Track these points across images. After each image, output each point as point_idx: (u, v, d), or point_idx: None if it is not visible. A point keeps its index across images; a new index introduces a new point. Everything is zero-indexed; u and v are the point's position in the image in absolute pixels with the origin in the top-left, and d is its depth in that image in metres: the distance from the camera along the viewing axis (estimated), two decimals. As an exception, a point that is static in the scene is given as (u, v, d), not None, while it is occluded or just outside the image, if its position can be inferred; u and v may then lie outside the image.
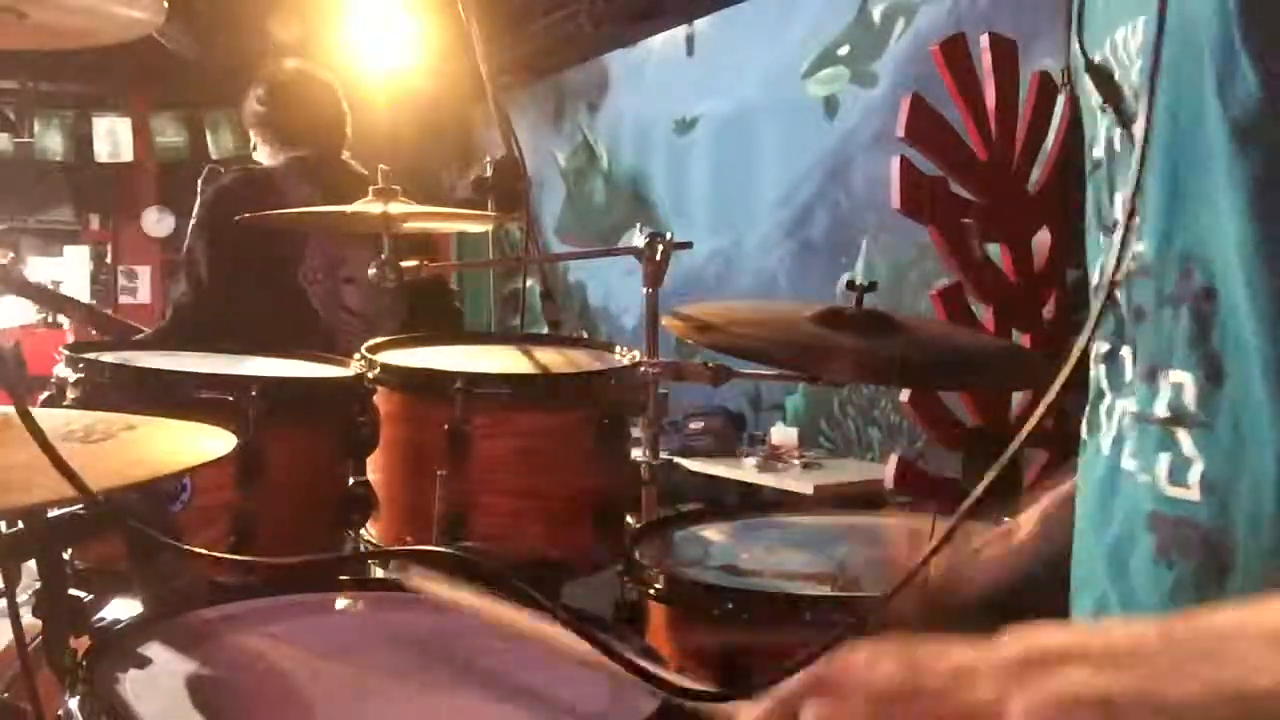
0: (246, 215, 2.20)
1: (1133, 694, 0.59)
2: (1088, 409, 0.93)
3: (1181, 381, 0.79)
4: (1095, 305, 0.85)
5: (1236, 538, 0.75)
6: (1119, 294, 0.86)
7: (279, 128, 2.82)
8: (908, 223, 3.12)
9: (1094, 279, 0.91)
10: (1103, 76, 0.87)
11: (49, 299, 3.73)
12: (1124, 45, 0.85)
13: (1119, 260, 0.82)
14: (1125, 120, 0.85)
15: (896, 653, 0.68)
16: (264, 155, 2.87)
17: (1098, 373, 0.90)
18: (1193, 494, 0.78)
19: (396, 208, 1.81)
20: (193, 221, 2.70)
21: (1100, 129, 0.90)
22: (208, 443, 1.08)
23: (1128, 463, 0.85)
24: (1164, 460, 0.80)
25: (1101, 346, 0.89)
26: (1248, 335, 0.73)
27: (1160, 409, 0.81)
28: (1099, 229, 0.91)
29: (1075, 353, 0.81)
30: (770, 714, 0.69)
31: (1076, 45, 0.92)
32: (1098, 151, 0.90)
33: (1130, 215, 0.80)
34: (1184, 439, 0.79)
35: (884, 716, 0.65)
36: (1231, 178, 0.73)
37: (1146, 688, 0.59)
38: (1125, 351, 0.86)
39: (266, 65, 2.98)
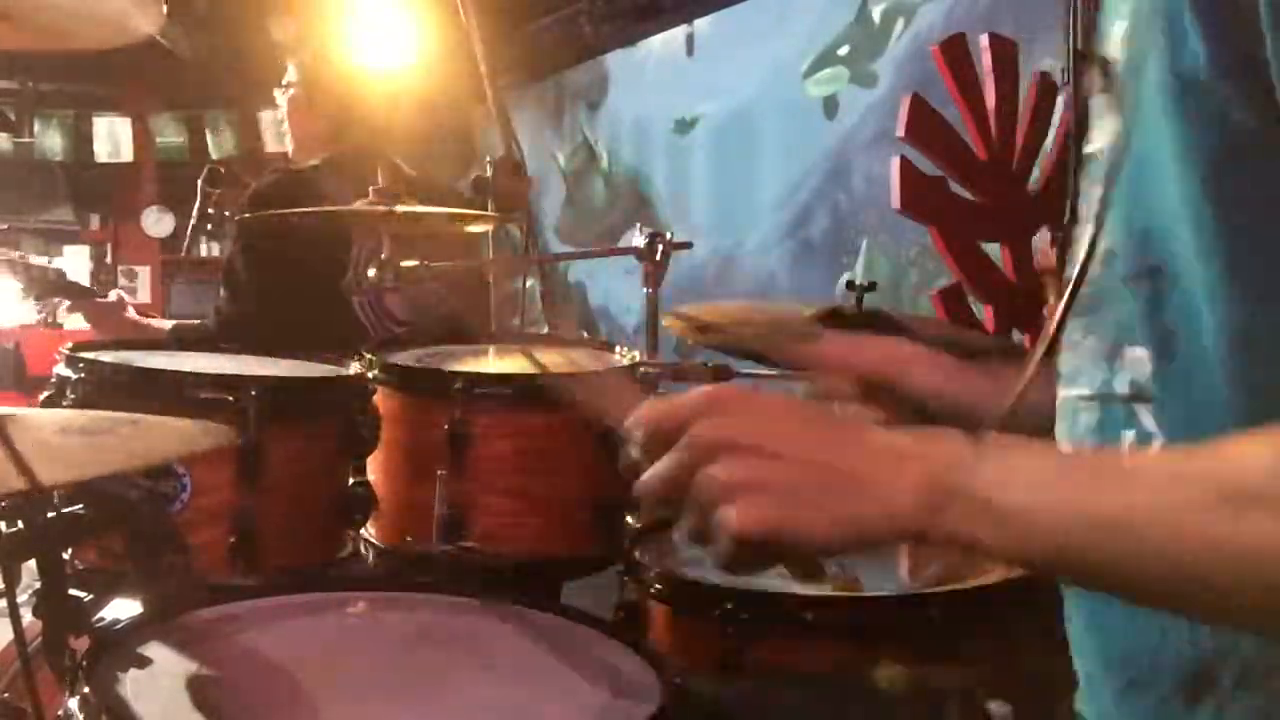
0: (247, 215, 2.20)
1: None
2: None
3: (1140, 357, 0.80)
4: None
5: None
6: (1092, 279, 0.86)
7: (319, 120, 2.70)
8: (908, 223, 3.12)
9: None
10: (1103, 68, 0.88)
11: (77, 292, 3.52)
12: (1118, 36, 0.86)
13: (1091, 247, 0.84)
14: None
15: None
16: (300, 153, 2.75)
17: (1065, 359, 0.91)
18: None
19: (396, 207, 1.81)
20: (230, 231, 2.61)
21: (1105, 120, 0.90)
22: (208, 438, 1.09)
23: (1095, 444, 0.85)
24: (1128, 438, 0.82)
25: (1075, 333, 0.89)
26: (1199, 306, 0.74)
27: (1121, 386, 0.82)
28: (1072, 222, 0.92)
29: (1044, 340, 0.82)
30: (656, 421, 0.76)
31: (1073, 39, 0.93)
32: (1099, 142, 0.91)
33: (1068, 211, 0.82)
34: (1144, 415, 0.80)
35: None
36: (1183, 153, 0.74)
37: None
38: (1090, 335, 0.87)
39: (298, 57, 2.83)
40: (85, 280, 7.61)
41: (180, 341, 2.06)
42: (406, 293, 2.52)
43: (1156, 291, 0.78)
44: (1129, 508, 0.65)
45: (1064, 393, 0.91)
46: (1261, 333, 0.72)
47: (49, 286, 3.19)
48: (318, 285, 2.49)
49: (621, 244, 5.94)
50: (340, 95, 2.69)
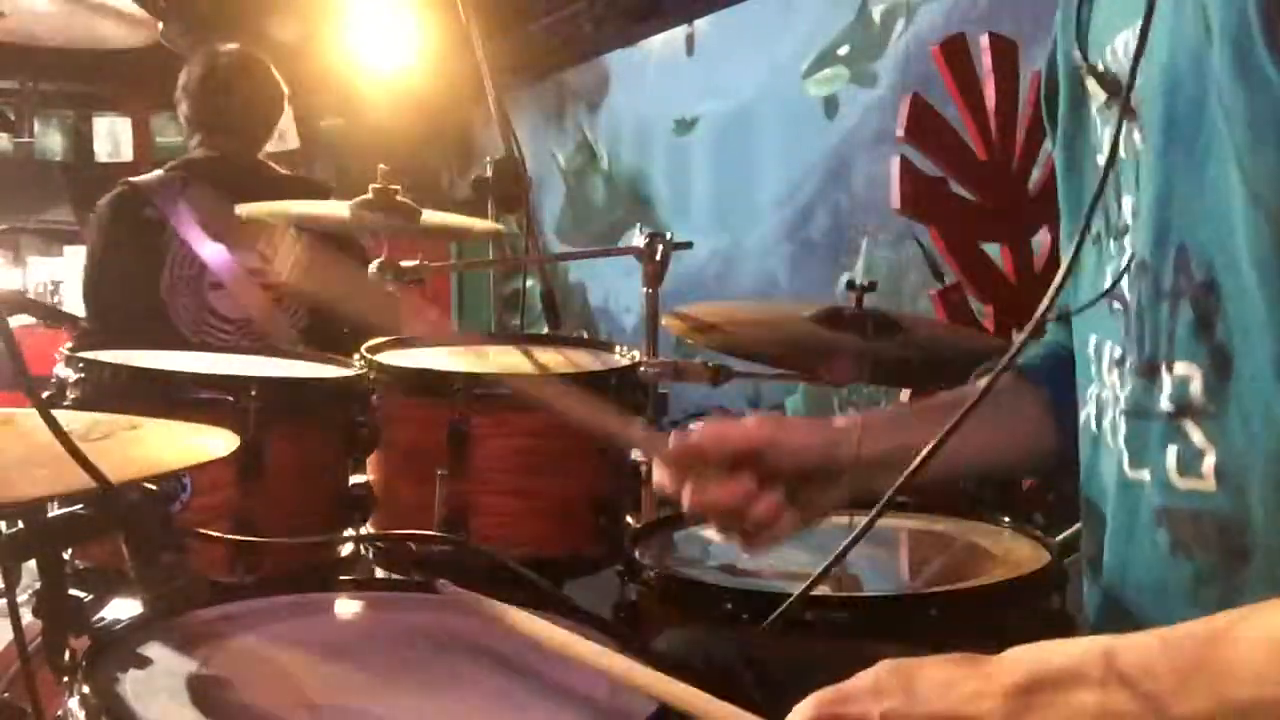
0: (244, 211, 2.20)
1: (1141, 715, 0.59)
2: (1094, 411, 0.93)
3: (1187, 375, 0.79)
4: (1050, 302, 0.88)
5: (1254, 525, 0.76)
6: (1125, 294, 0.86)
7: (200, 117, 2.80)
8: (908, 223, 3.12)
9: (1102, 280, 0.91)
10: (1109, 80, 0.88)
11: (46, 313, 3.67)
12: (1124, 50, 0.85)
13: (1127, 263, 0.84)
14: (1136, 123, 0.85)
15: (901, 677, 0.69)
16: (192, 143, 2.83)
17: (1111, 376, 0.90)
18: (1208, 484, 0.78)
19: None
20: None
21: (1103, 132, 0.90)
22: (209, 442, 1.09)
23: (1125, 460, 0.85)
24: (1171, 453, 0.81)
25: (1115, 351, 0.89)
26: (1255, 324, 0.74)
27: (1164, 403, 0.81)
28: (1107, 234, 0.91)
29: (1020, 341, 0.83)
30: None
31: (1075, 49, 0.93)
32: (1100, 157, 0.91)
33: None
34: (1193, 431, 0.79)
35: None
36: (1243, 175, 0.73)
37: (1155, 707, 0.58)
38: (1119, 350, 0.87)
39: (205, 49, 2.93)
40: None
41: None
42: (232, 289, 2.57)
43: (1207, 306, 0.77)
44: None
45: (1083, 412, 0.91)
46: None
47: (11, 306, 3.32)
48: (136, 294, 2.59)
49: (621, 244, 5.95)
50: (204, 102, 2.79)
